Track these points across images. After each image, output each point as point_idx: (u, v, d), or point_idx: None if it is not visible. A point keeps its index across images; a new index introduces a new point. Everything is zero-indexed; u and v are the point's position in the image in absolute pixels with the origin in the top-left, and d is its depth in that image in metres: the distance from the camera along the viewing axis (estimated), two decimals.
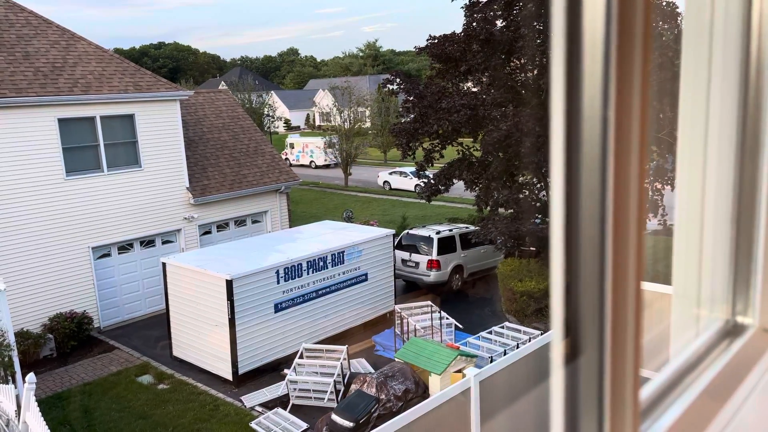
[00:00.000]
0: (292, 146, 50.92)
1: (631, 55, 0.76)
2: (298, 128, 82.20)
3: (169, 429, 12.32)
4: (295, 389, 13.15)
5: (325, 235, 17.12)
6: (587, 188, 0.78)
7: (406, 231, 20.71)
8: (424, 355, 12.70)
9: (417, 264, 19.47)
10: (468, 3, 17.53)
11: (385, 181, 39.97)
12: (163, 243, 19.33)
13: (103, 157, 17.65)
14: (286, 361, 14.23)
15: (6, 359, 11.94)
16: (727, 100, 1.39)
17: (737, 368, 1.32)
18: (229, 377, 14.04)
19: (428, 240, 19.35)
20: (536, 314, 16.15)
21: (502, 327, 14.73)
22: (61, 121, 16.73)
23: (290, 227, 21.60)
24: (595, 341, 0.81)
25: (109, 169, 17.80)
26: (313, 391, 13.08)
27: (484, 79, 18.14)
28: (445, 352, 12.66)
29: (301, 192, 37.35)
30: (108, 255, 18.10)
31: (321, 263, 15.58)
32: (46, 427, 8.56)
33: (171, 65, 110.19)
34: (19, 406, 9.22)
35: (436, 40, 18.01)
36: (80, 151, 17.28)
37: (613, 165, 0.77)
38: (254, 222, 21.87)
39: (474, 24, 17.28)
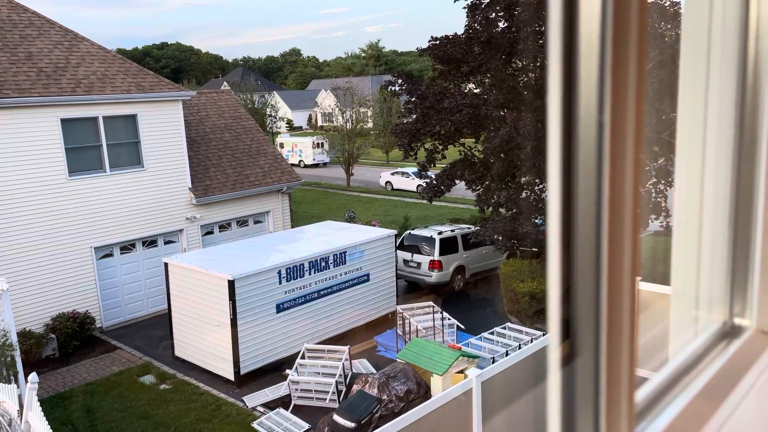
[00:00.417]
0: (281, 146, 51.28)
1: (626, 62, 0.77)
2: (300, 128, 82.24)
3: (171, 429, 12.34)
4: (296, 389, 13.16)
5: (327, 236, 17.13)
6: (584, 193, 0.79)
7: (408, 231, 20.71)
8: (426, 355, 12.70)
9: (419, 264, 19.48)
10: (470, 4, 17.55)
11: (387, 182, 39.99)
12: (166, 243, 19.36)
13: (106, 158, 17.68)
14: (288, 362, 14.23)
15: (8, 359, 11.98)
16: (725, 103, 1.40)
17: (734, 370, 1.33)
18: (231, 377, 14.05)
19: (430, 240, 19.35)
20: (538, 315, 16.15)
21: (504, 328, 14.73)
22: (63, 121, 16.76)
23: (292, 227, 21.60)
24: (591, 344, 0.82)
25: (112, 169, 17.83)
26: (315, 391, 13.09)
27: (486, 80, 18.15)
28: (446, 352, 12.65)
29: (303, 192, 37.37)
30: (110, 255, 18.13)
31: (323, 263, 15.59)
32: (49, 426, 8.58)
33: (173, 65, 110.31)
34: (21, 406, 9.25)
35: (437, 42, 18.04)
36: (83, 151, 17.32)
37: (608, 169, 0.78)
38: (256, 222, 21.89)
39: (476, 25, 17.30)
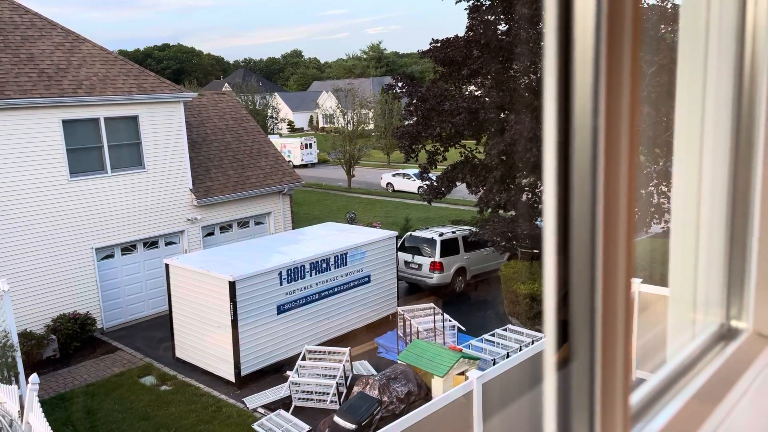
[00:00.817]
0: None
1: (620, 67, 0.77)
2: (301, 130, 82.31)
3: (172, 430, 12.34)
4: (297, 391, 13.16)
5: (328, 237, 17.13)
6: (579, 196, 0.79)
7: (409, 233, 20.72)
8: (427, 357, 12.70)
9: (420, 266, 19.48)
10: (471, 6, 17.56)
11: (388, 183, 40.01)
12: (166, 244, 19.37)
13: (107, 159, 17.70)
14: (289, 363, 14.24)
15: (9, 360, 11.99)
16: (722, 105, 1.41)
17: (730, 372, 1.33)
18: (232, 379, 14.06)
19: (431, 242, 19.35)
20: (539, 317, 16.14)
21: (505, 329, 14.73)
22: (65, 122, 16.78)
23: (293, 229, 21.61)
24: (586, 347, 0.82)
25: (113, 170, 17.86)
26: (316, 393, 13.09)
27: (487, 83, 18.17)
28: (447, 354, 12.66)
29: (304, 193, 37.39)
30: (111, 256, 18.15)
31: (324, 265, 15.60)
32: (49, 427, 8.59)
33: (175, 67, 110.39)
34: (22, 407, 9.26)
35: (438, 44, 18.07)
36: (84, 152, 17.34)
37: (603, 172, 0.78)
38: (257, 223, 21.90)
39: (476, 27, 17.32)
